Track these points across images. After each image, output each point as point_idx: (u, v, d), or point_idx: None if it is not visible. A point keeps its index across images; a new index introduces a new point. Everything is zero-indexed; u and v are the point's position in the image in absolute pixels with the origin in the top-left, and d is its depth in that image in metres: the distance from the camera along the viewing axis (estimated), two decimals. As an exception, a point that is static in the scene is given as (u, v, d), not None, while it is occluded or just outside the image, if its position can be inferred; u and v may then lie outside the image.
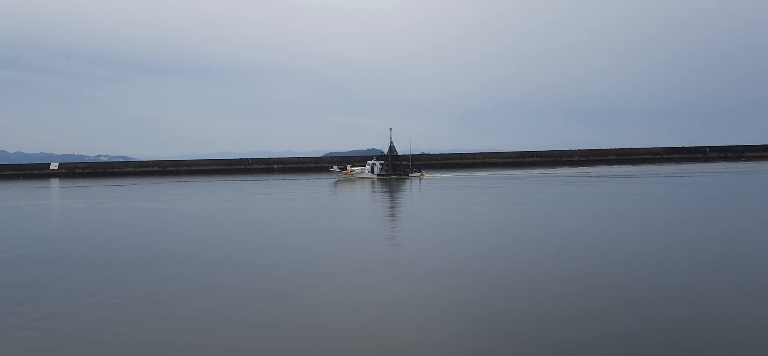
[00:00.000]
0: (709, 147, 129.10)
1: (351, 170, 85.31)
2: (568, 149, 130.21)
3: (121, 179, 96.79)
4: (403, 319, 13.70)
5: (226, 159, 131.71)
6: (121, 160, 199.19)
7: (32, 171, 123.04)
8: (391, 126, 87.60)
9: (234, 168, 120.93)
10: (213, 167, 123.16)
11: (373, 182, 74.12)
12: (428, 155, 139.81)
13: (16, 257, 23.83)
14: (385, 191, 57.10)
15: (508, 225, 30.00)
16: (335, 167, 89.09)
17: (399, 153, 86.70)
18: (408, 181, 73.49)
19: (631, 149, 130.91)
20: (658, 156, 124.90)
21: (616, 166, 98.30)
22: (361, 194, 54.55)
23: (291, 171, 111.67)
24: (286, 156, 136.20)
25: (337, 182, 74.63)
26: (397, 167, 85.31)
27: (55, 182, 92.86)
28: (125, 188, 71.45)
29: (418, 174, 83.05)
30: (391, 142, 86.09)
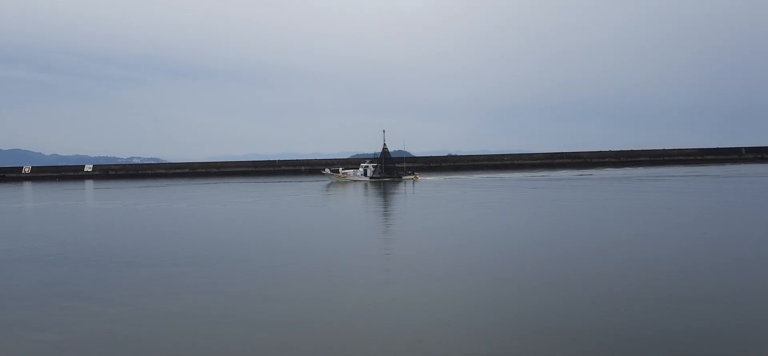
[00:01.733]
0: (745, 148, 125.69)
1: (343, 173, 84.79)
2: (598, 150, 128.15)
3: (153, 181, 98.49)
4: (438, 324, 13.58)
5: (254, 161, 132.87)
6: (152, 162, 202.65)
7: (67, 173, 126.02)
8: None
9: (262, 170, 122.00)
10: (242, 169, 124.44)
11: (365, 185, 73.15)
12: (455, 156, 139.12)
13: (56, 256, 24.37)
14: (378, 195, 55.89)
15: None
16: (327, 170, 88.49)
17: (392, 154, 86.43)
18: (401, 183, 72.67)
19: (664, 150, 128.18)
20: (692, 157, 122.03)
21: (647, 167, 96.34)
22: (353, 198, 53.98)
23: (319, 173, 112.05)
24: (314, 158, 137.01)
25: (329, 185, 73.89)
26: (390, 170, 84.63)
27: (89, 184, 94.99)
28: (157, 190, 72.66)
29: (412, 177, 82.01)
30: (384, 144, 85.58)
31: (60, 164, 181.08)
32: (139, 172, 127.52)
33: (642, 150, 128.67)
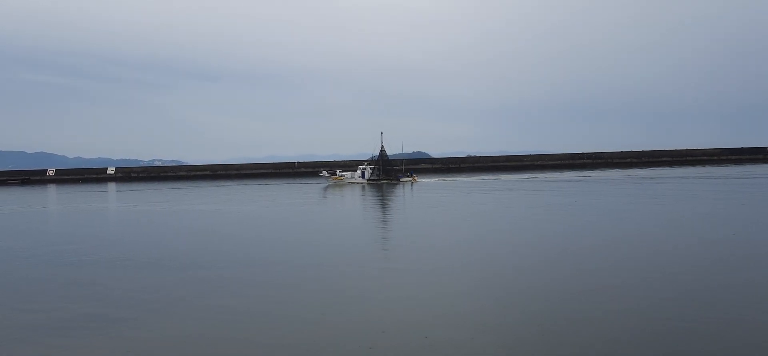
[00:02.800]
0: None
1: (340, 175, 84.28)
2: (620, 150, 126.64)
3: (174, 183, 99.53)
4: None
5: (274, 163, 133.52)
6: (174, 164, 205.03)
7: (91, 175, 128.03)
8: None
9: (282, 172, 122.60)
10: (261, 171, 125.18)
11: (363, 187, 72.46)
12: (474, 157, 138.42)
13: (80, 257, 24.68)
14: (375, 198, 55.20)
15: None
16: (325, 172, 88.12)
17: (390, 156, 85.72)
18: (400, 185, 72.18)
19: (687, 150, 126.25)
20: (715, 157, 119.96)
21: (672, 168, 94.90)
22: (350, 200, 53.50)
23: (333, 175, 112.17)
24: (333, 159, 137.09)
25: (327, 188, 73.40)
26: (388, 172, 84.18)
27: (111, 186, 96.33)
28: (178, 192, 73.38)
29: (410, 179, 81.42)
30: (382, 146, 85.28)
31: (83, 166, 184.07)
32: (161, 174, 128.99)
33: (665, 150, 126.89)
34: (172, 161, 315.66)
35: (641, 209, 36.68)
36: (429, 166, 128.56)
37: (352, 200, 53.13)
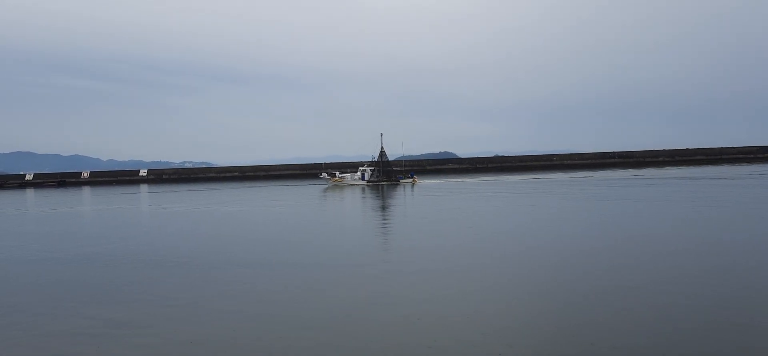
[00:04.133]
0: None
1: (340, 177, 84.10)
2: (652, 149, 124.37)
3: (204, 184, 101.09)
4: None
5: (300, 164, 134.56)
6: (203, 166, 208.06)
7: (124, 177, 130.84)
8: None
9: (308, 172, 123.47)
10: (289, 172, 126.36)
11: (363, 189, 72.12)
12: (501, 157, 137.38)
13: (123, 256, 25.28)
14: (375, 199, 55.02)
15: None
16: (324, 174, 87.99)
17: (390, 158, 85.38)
18: (400, 187, 71.87)
19: (721, 148, 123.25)
20: (752, 155, 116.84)
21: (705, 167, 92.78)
22: (350, 202, 53.33)
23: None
24: (358, 160, 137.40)
25: (326, 189, 73.25)
26: (389, 173, 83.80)
27: (144, 188, 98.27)
28: (209, 193, 74.49)
29: (411, 180, 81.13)
30: (382, 147, 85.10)
31: (117, 168, 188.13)
32: (192, 176, 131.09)
33: (698, 149, 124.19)
34: (202, 162, 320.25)
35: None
36: (456, 166, 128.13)
37: (367, 201, 53.27)
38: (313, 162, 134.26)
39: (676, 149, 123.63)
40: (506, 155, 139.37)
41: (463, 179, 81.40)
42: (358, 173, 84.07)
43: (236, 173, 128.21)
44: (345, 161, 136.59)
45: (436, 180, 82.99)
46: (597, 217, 33.37)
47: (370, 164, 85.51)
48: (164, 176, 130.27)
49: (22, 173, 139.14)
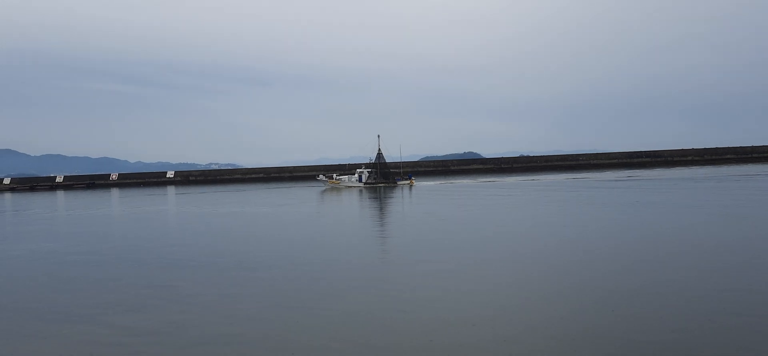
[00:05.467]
0: None
1: (337, 179, 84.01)
2: (680, 148, 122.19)
3: (230, 185, 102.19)
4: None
5: (325, 165, 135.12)
6: (229, 167, 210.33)
7: (151, 179, 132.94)
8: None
9: (333, 174, 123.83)
10: (313, 173, 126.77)
11: (360, 191, 71.82)
12: (527, 157, 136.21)
13: (156, 258, 25.68)
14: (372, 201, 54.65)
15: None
16: (322, 176, 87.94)
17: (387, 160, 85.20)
18: (397, 189, 71.54)
19: (753, 147, 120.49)
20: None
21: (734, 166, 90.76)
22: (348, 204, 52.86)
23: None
24: (382, 161, 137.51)
25: (323, 191, 73.17)
26: (386, 175, 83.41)
27: (171, 189, 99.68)
28: (235, 194, 75.27)
29: (408, 182, 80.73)
30: (379, 149, 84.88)
31: (144, 170, 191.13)
32: (218, 177, 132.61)
33: (728, 147, 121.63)
34: (228, 164, 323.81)
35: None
36: (480, 166, 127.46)
37: (385, 202, 53.28)
38: (338, 163, 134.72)
39: (705, 148, 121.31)
40: (532, 154, 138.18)
41: (492, 180, 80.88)
42: (356, 175, 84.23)
43: (261, 175, 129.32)
44: (371, 160, 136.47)
45: (433, 182, 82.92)
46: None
47: (368, 165, 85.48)
48: (191, 178, 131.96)
49: (52, 175, 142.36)
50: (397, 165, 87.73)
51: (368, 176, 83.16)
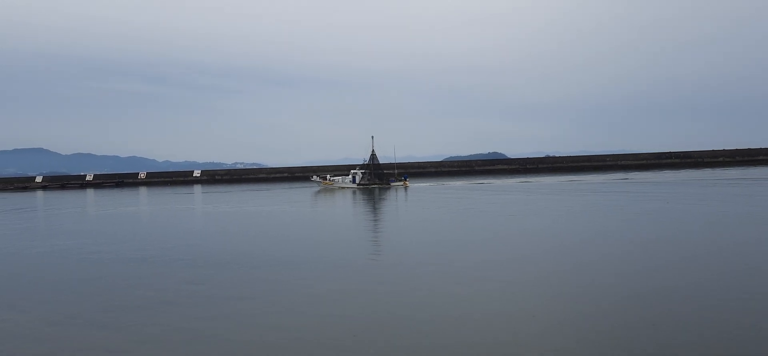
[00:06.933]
0: None
1: (331, 180, 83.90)
2: (710, 149, 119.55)
3: (255, 185, 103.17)
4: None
5: (348, 165, 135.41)
6: (254, 167, 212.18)
7: (178, 178, 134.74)
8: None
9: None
10: (337, 174, 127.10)
11: (354, 192, 71.57)
12: (553, 157, 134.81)
13: (181, 257, 26.01)
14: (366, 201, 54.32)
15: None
16: (316, 177, 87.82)
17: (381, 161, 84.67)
18: (391, 190, 71.02)
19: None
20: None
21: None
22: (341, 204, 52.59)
23: (411, 176, 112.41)
24: (406, 161, 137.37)
25: (317, 192, 73.04)
26: (380, 176, 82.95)
27: (197, 188, 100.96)
28: (260, 193, 75.94)
29: (402, 183, 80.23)
30: (373, 150, 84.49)
31: (172, 169, 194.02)
32: (243, 177, 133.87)
33: (760, 148, 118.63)
34: (253, 163, 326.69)
35: None
36: (505, 167, 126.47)
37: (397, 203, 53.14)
38: (361, 162, 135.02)
39: (736, 149, 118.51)
40: (557, 155, 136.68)
41: (528, 180, 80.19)
42: (350, 176, 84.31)
43: (286, 174, 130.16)
44: (393, 161, 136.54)
45: (427, 183, 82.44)
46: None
47: (362, 167, 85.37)
48: (217, 177, 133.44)
49: (82, 174, 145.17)
50: (391, 166, 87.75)
51: (362, 178, 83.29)
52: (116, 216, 49.31)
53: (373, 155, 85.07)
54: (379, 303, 16.10)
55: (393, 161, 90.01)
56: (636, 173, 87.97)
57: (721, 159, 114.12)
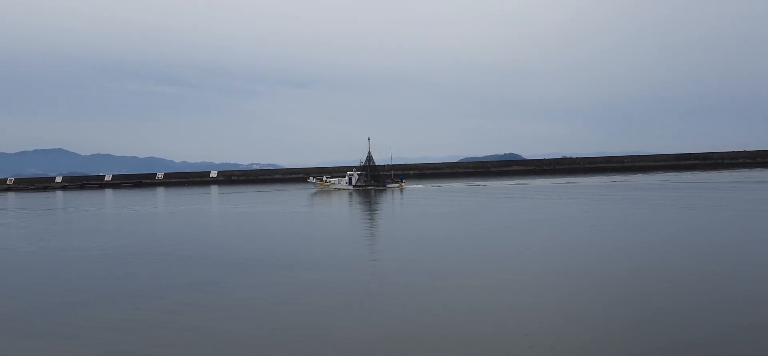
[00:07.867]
0: None
1: (327, 181, 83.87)
2: (731, 150, 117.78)
3: (271, 185, 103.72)
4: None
5: (363, 166, 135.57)
6: (270, 167, 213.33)
7: (195, 178, 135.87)
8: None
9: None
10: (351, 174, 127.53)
11: (350, 194, 71.42)
12: (570, 158, 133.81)
13: (199, 256, 26.24)
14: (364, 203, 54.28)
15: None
16: (312, 178, 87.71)
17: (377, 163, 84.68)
18: (387, 191, 70.80)
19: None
20: None
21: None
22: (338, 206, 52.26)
23: (427, 177, 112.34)
24: (422, 161, 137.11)
25: (314, 194, 72.96)
26: (377, 177, 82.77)
27: (214, 188, 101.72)
28: (276, 194, 76.29)
29: (398, 184, 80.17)
30: (369, 152, 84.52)
31: (189, 170, 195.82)
32: (259, 177, 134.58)
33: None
34: (269, 164, 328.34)
35: None
36: (521, 167, 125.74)
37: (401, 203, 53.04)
38: (377, 164, 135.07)
39: (758, 150, 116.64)
40: (575, 156, 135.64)
41: (529, 182, 79.67)
42: (346, 178, 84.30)
43: (301, 174, 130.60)
44: (409, 162, 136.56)
45: (422, 184, 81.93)
46: None
47: (358, 168, 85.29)
48: (233, 178, 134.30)
49: (101, 174, 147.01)
50: (387, 168, 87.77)
51: (358, 179, 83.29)
52: (150, 217, 49.84)
53: (369, 157, 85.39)
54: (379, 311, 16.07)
55: (389, 163, 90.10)
56: (671, 174, 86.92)
57: (741, 161, 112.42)
